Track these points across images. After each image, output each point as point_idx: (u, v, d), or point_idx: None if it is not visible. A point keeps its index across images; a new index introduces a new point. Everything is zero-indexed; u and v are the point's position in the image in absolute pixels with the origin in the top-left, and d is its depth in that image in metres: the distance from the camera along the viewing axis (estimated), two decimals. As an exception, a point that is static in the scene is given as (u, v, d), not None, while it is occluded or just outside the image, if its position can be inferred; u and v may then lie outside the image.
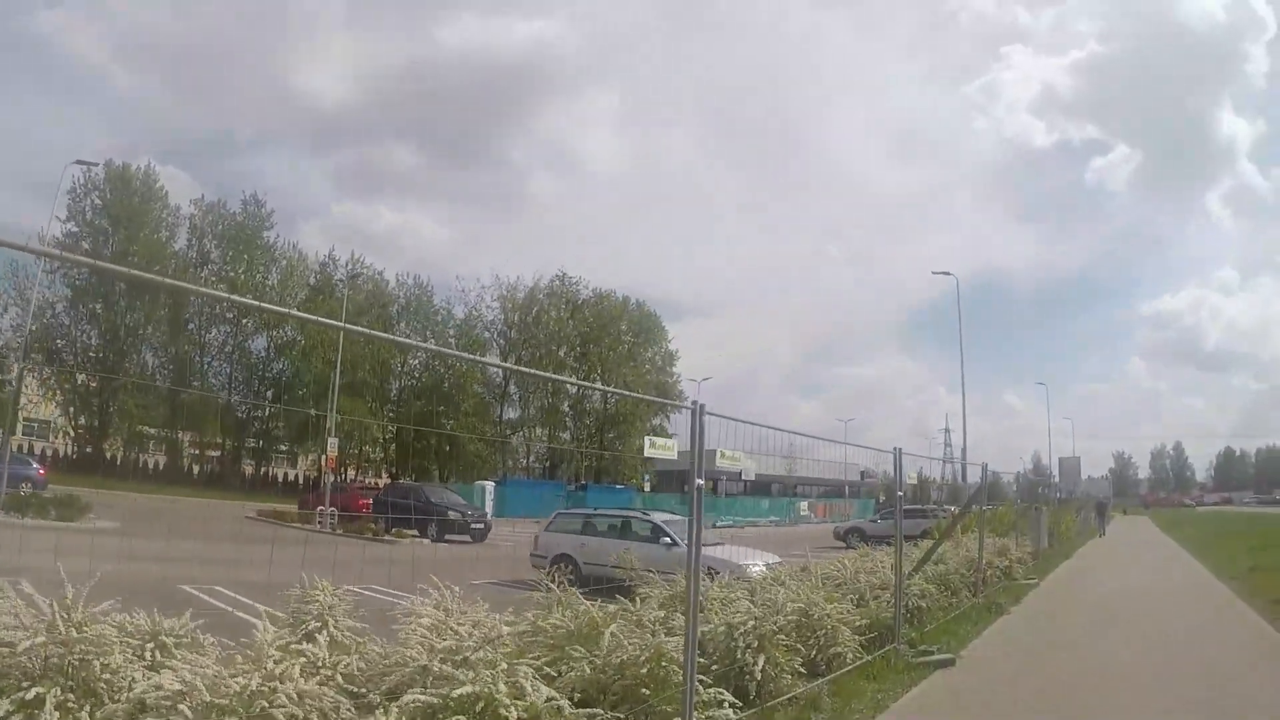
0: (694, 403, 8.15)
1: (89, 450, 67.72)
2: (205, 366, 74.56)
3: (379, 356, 75.42)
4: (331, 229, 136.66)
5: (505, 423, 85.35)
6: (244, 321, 72.85)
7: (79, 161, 43.71)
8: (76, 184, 66.91)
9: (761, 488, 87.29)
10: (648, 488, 73.04)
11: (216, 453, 74.47)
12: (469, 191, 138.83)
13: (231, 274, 73.08)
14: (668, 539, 19.88)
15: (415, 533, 34.64)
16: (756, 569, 15.80)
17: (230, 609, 12.61)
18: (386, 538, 32.98)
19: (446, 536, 34.47)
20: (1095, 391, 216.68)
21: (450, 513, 35.80)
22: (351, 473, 76.74)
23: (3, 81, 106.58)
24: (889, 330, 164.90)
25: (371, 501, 41.61)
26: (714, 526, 56.72)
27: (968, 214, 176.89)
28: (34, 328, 65.86)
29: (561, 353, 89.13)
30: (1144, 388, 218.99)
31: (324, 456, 44.33)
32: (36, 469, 39.70)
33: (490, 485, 58.24)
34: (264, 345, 74.73)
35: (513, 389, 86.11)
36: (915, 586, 15.03)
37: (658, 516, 22.13)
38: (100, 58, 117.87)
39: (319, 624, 7.19)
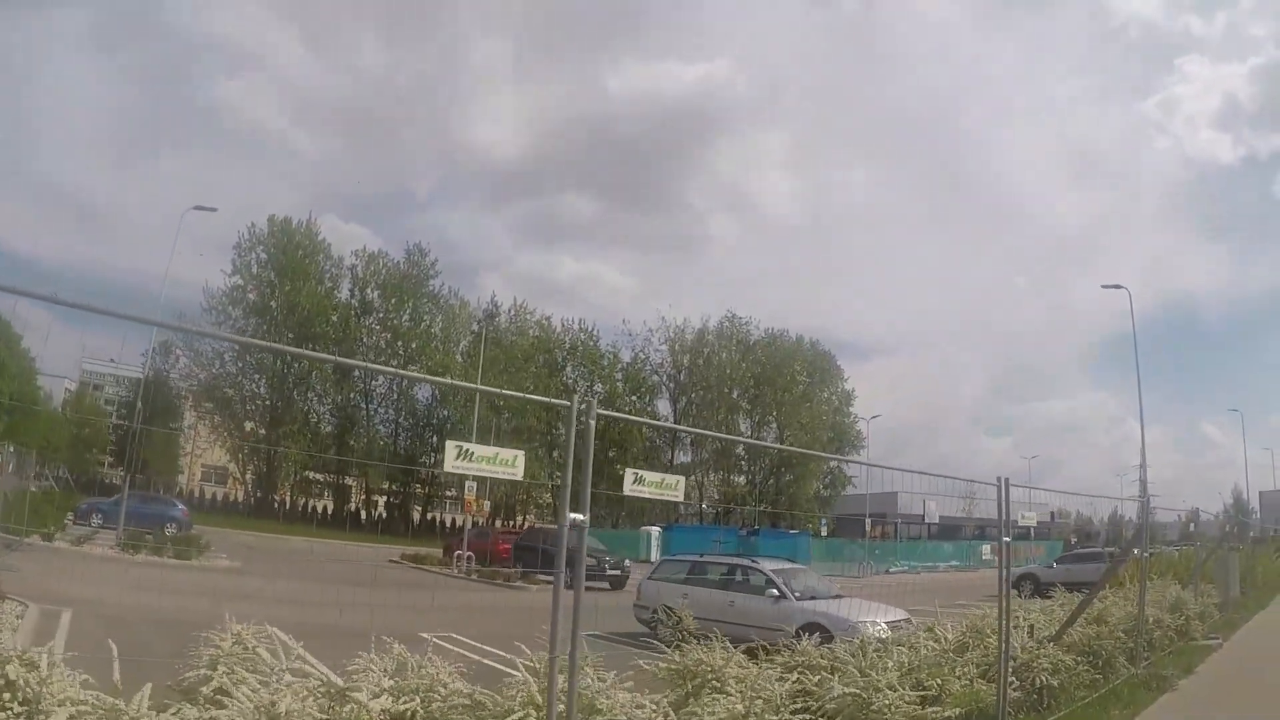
0: (999, 479, 9.33)
1: (258, 495, 70.10)
2: (371, 413, 76.15)
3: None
4: (514, 280, 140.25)
5: (677, 466, 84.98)
6: (409, 368, 74.40)
7: (197, 207, 44.82)
8: (242, 239, 71.45)
9: (950, 530, 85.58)
10: (825, 533, 71.66)
11: (382, 498, 75.97)
12: (649, 237, 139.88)
13: (394, 322, 75.31)
14: (775, 591, 18.14)
15: (549, 578, 34.11)
16: (878, 628, 14.18)
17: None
18: (518, 584, 33.34)
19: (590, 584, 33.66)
20: None
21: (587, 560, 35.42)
22: (530, 518, 77.71)
23: (188, 146, 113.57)
24: (1079, 363, 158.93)
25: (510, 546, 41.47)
26: (887, 573, 55.76)
27: (1153, 236, 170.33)
28: (203, 376, 68.82)
29: (734, 395, 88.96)
30: None
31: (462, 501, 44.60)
32: (181, 510, 41.11)
33: (656, 530, 58.02)
34: (429, 392, 75.87)
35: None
36: (1044, 658, 12.01)
37: (768, 565, 19.93)
38: (280, 122, 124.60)
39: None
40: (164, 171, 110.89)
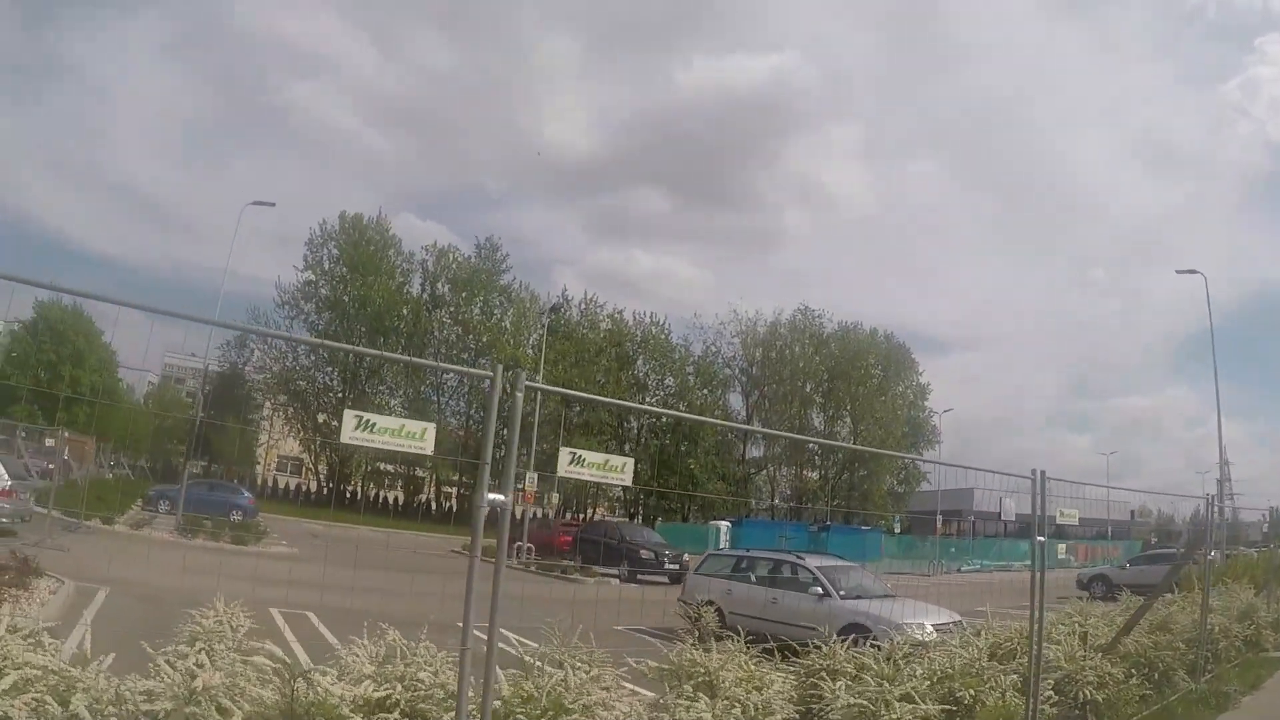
0: (1034, 471, 9.16)
1: (330, 486, 71.46)
2: (443, 405, 77.50)
3: (617, 396, 76.47)
4: (588, 275, 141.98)
5: (749, 460, 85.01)
6: (480, 361, 75.04)
7: (256, 202, 45.83)
8: (314, 235, 73.74)
9: (1030, 529, 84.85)
10: (898, 530, 71.26)
11: (453, 489, 76.77)
12: (722, 232, 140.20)
13: (465, 316, 76.54)
14: (819, 589, 17.53)
15: (611, 571, 34.63)
16: (923, 630, 13.81)
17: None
18: (575, 576, 33.63)
19: (639, 576, 34.42)
20: None
21: (642, 552, 35.70)
22: (600, 512, 79.07)
23: (263, 148, 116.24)
24: (1158, 358, 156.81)
25: (572, 539, 42.45)
26: (959, 571, 55.48)
27: (1234, 225, 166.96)
28: (276, 369, 70.22)
29: (807, 388, 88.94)
30: None
31: (522, 491, 45.07)
32: (247, 498, 42.29)
33: (725, 525, 57.93)
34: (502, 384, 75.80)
35: (756, 426, 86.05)
36: (1090, 670, 11.15)
37: (813, 562, 19.14)
38: (353, 123, 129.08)
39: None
40: (239, 173, 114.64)
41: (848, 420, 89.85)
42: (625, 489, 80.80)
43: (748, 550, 23.84)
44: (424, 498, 78.04)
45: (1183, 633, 14.66)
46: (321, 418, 71.59)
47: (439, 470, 74.46)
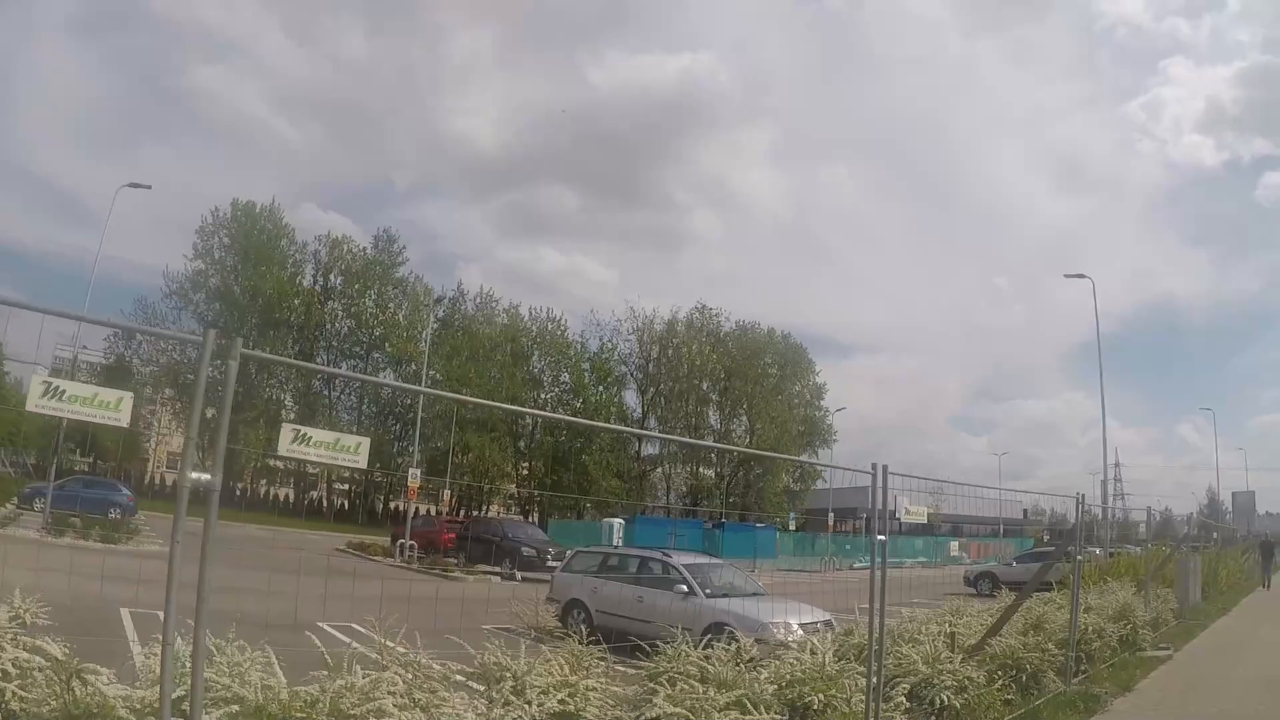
0: (874, 465, 8.78)
1: (223, 484, 70.22)
2: (335, 400, 76.56)
3: (511, 392, 76.46)
4: (495, 272, 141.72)
5: (645, 458, 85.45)
6: (373, 355, 74.60)
7: (131, 184, 44.51)
8: (205, 223, 72.01)
9: (927, 528, 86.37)
10: (793, 526, 71.99)
11: (345, 486, 76.30)
12: (633, 231, 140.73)
13: (357, 308, 76.17)
14: (683, 587, 17.17)
15: (494, 569, 35.11)
16: (789, 630, 13.81)
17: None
18: (455, 575, 33.72)
19: (521, 574, 34.11)
20: (1275, 423, 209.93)
21: (524, 549, 35.68)
22: (496, 510, 79.12)
23: (170, 133, 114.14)
24: (1059, 365, 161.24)
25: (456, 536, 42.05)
26: (851, 568, 56.12)
27: (1136, 240, 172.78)
28: (164, 361, 69.18)
29: (704, 386, 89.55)
30: None
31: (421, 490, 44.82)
32: (126, 496, 41.63)
33: (619, 523, 58.12)
34: (392, 379, 75.86)
35: (652, 423, 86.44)
36: (947, 674, 10.87)
37: (680, 559, 18.95)
38: (261, 111, 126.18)
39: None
40: (144, 158, 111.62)
41: (744, 418, 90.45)
42: (521, 486, 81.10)
43: (615, 547, 25.09)
44: (315, 495, 77.18)
45: (1055, 633, 14.56)
46: (210, 413, 70.27)
47: (330, 467, 73.83)
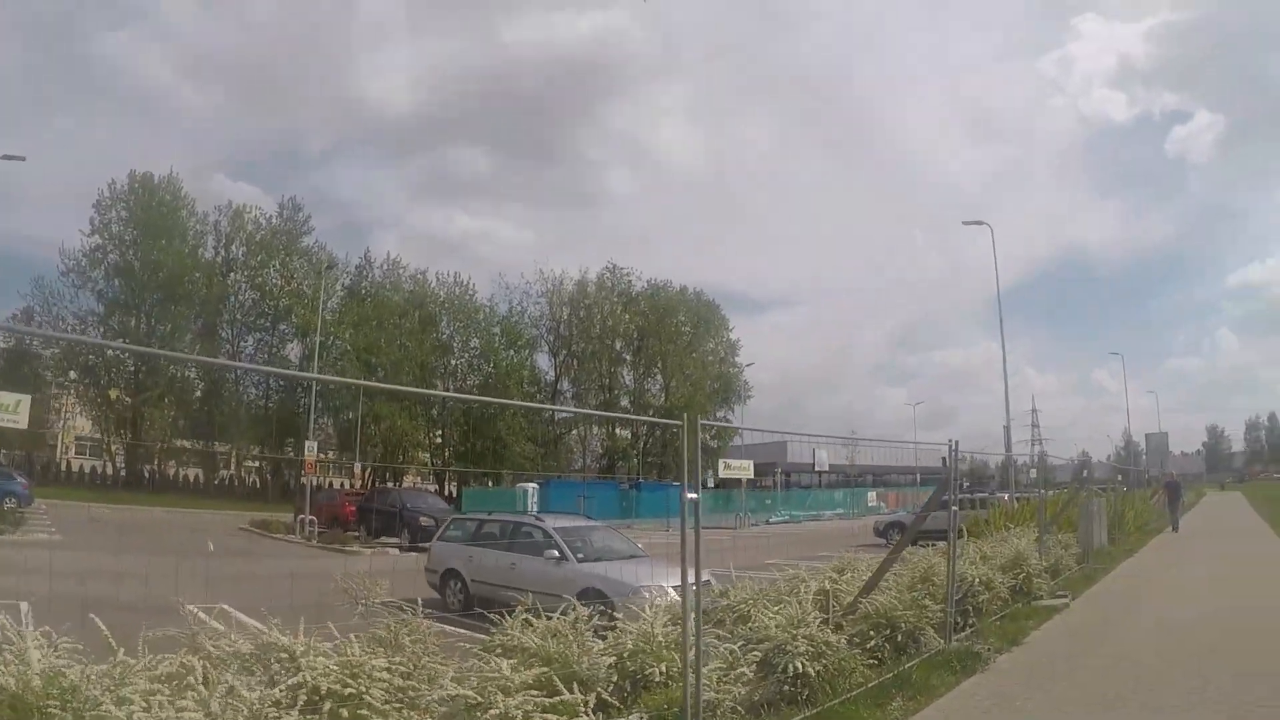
0: (686, 416, 8.47)
1: (128, 466, 69.85)
2: (240, 376, 76.11)
3: (420, 359, 76.37)
4: (409, 237, 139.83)
5: (559, 421, 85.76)
6: (279, 328, 74.09)
7: (4, 156, 43.27)
8: (102, 196, 70.23)
9: (853, 479, 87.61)
10: (711, 484, 72.68)
11: (255, 464, 75.88)
12: (547, 192, 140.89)
13: (260, 280, 75.26)
14: (555, 552, 16.77)
15: (393, 541, 35.03)
16: (662, 593, 12.70)
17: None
18: (352, 548, 33.81)
19: (421, 545, 33.69)
20: (1186, 366, 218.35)
21: (422, 519, 35.71)
22: (411, 480, 78.85)
23: (70, 102, 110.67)
24: (975, 314, 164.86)
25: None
26: (768, 523, 56.99)
27: (1049, 192, 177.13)
28: (64, 343, 67.97)
29: (617, 346, 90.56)
30: (1235, 360, 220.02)
31: (304, 460, 44.20)
32: (21, 484, 41.12)
33: (532, 487, 58.35)
34: (299, 352, 75.16)
35: (565, 386, 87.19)
36: (801, 642, 9.80)
37: (554, 522, 18.39)
38: (168, 76, 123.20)
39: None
40: (50, 130, 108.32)
41: (659, 377, 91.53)
42: (434, 455, 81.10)
43: (489, 513, 24.00)
44: (226, 474, 76.68)
45: (942, 586, 13.89)
46: (114, 394, 69.64)
47: (239, 444, 73.51)
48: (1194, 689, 10.11)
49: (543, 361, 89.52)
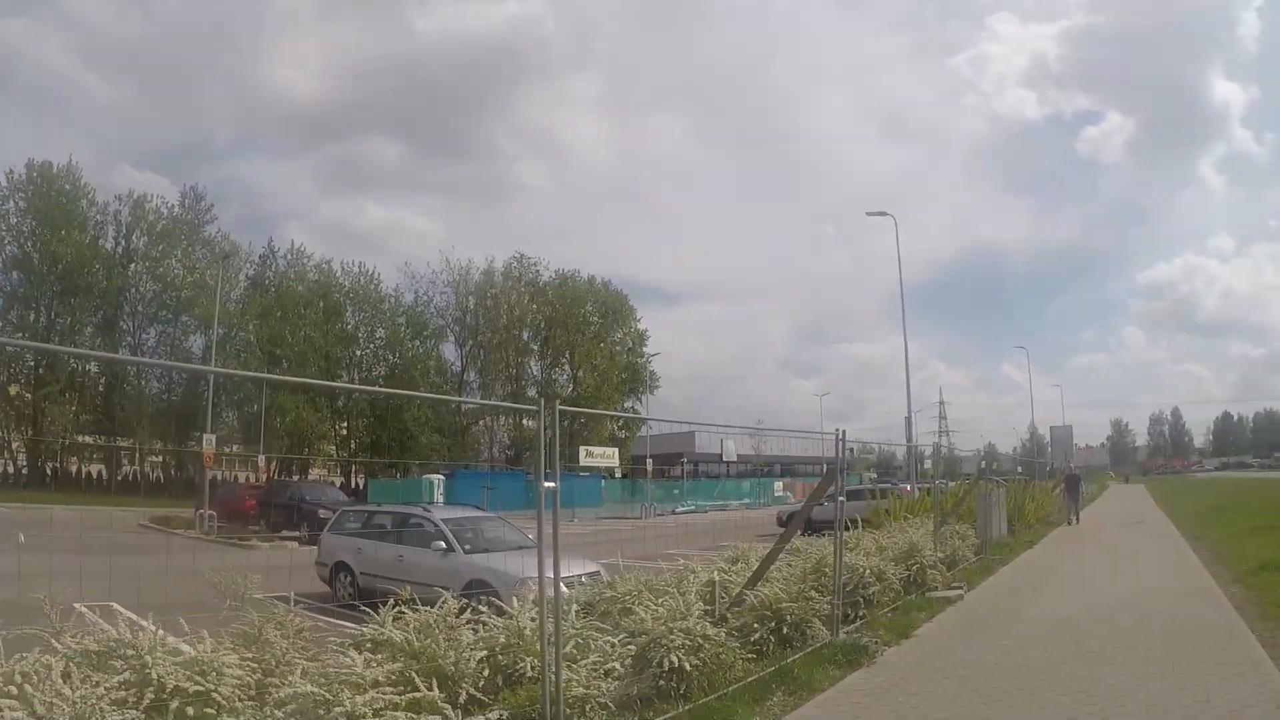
0: (540, 397, 7.95)
1: (28, 464, 68.99)
2: (143, 370, 74.82)
3: (325, 349, 76.24)
4: (317, 229, 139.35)
5: (466, 413, 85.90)
6: (182, 319, 73.46)
7: None
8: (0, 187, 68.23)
9: (759, 469, 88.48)
10: (618, 474, 73.23)
11: (159, 458, 75.22)
12: (458, 183, 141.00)
13: (162, 271, 74.20)
14: (442, 544, 16.54)
15: (294, 534, 34.67)
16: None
17: None
18: (251, 542, 34.11)
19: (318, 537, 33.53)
20: (1093, 362, 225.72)
21: (321, 512, 35.84)
22: (317, 473, 79.08)
23: None
24: (884, 309, 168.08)
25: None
26: (674, 513, 57.66)
27: (960, 190, 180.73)
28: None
29: (525, 336, 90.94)
30: (1141, 356, 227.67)
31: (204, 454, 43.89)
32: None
33: (439, 479, 58.47)
34: (201, 344, 74.06)
35: (472, 376, 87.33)
36: (677, 636, 9.55)
37: (442, 513, 18.42)
38: (71, 67, 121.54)
39: None
40: None
41: (566, 368, 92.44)
42: (340, 447, 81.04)
43: (379, 504, 24.58)
44: (130, 470, 75.86)
45: (832, 579, 13.50)
46: (14, 390, 68.78)
47: (142, 439, 72.85)
48: (1081, 689, 9.89)
49: (449, 351, 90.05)
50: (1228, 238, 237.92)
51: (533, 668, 8.43)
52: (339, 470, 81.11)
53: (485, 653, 8.49)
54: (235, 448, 75.96)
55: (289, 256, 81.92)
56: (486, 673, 8.26)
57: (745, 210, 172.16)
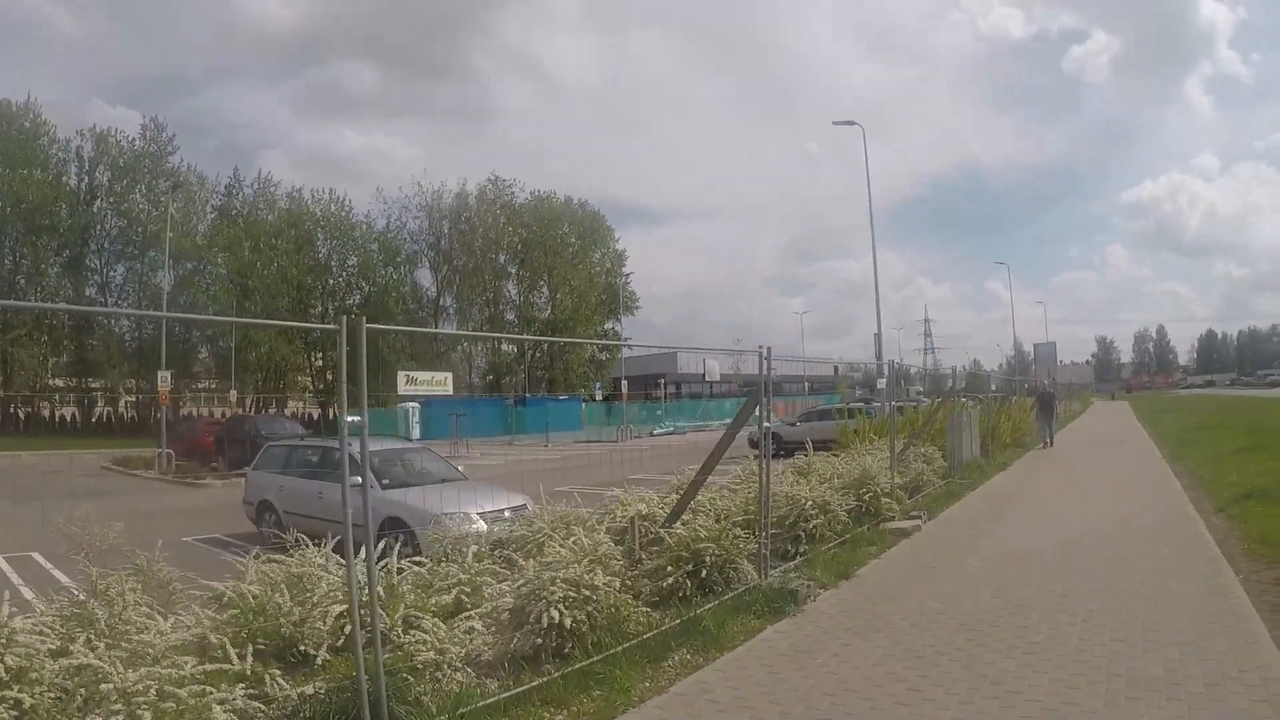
0: (344, 320, 6.16)
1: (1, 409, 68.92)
2: (111, 305, 74.64)
3: (297, 280, 76.19)
4: (296, 158, 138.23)
5: (442, 339, 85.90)
6: (149, 254, 73.05)
7: None
8: None
9: (741, 389, 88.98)
10: (599, 397, 73.20)
11: (132, 398, 75.19)
12: (437, 106, 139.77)
13: (126, 206, 73.75)
14: (357, 479, 14.89)
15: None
16: (465, 521, 12.58)
17: None
18: (204, 480, 33.56)
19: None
20: (1078, 279, 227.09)
21: None
22: (295, 406, 79.63)
23: None
24: (869, 226, 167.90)
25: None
26: (651, 434, 57.82)
27: (946, 108, 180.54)
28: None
29: (501, 259, 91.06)
30: (1126, 274, 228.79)
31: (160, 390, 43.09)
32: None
33: (414, 407, 58.35)
34: (171, 280, 73.42)
35: (448, 301, 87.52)
36: (556, 589, 8.26)
37: (358, 447, 16.54)
38: (39, 1, 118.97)
39: None
40: None
41: (545, 290, 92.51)
42: (315, 380, 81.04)
43: (302, 439, 24.13)
44: (102, 411, 75.96)
45: (777, 508, 12.83)
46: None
47: (112, 379, 72.79)
48: (1031, 649, 8.43)
49: (424, 277, 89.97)
50: (1213, 158, 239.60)
51: (394, 624, 7.79)
52: (316, 403, 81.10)
53: (344, 607, 7.63)
54: (211, 384, 76.18)
55: (256, 185, 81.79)
56: (348, 629, 7.24)
57: (732, 129, 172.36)
